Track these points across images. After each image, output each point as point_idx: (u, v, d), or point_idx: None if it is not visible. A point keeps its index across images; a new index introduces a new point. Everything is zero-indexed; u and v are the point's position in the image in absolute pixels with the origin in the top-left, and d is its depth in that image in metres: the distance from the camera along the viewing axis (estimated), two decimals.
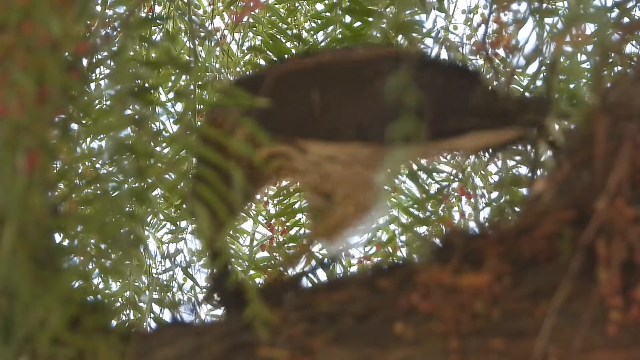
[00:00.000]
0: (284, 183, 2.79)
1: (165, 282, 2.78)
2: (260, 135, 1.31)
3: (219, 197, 1.31)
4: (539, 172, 1.55)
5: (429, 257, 1.27)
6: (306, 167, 1.47)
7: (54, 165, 1.40)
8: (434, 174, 2.59)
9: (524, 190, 1.73)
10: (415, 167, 2.43)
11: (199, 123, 2.48)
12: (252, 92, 1.36)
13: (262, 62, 2.62)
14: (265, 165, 1.47)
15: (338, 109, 1.45)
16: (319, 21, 2.50)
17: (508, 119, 1.43)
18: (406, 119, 1.24)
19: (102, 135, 1.45)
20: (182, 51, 2.83)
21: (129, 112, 1.34)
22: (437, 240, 1.30)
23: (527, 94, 2.15)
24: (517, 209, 1.65)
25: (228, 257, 1.53)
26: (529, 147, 1.56)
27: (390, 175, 1.56)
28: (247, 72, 2.61)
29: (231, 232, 2.83)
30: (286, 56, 2.40)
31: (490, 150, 1.50)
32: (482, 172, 2.69)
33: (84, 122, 1.48)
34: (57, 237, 1.39)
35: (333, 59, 1.48)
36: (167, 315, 2.65)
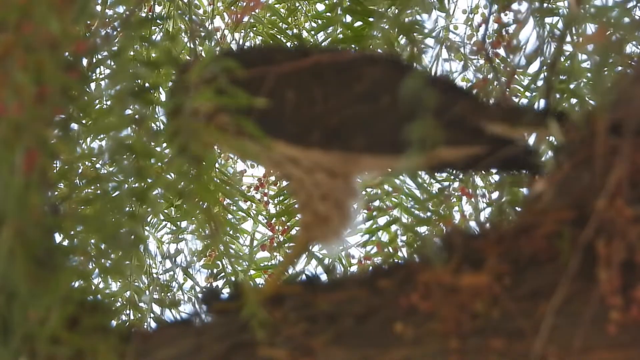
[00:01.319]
0: (284, 182, 2.79)
1: (165, 282, 2.78)
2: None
3: None
4: (538, 172, 1.54)
5: (429, 257, 1.27)
6: (269, 165, 1.44)
7: (54, 165, 1.39)
8: (435, 174, 2.58)
9: (524, 190, 1.73)
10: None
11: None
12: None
13: None
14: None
15: (309, 112, 1.42)
16: (320, 21, 2.50)
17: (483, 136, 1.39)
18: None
19: (102, 135, 1.45)
20: (182, 51, 2.83)
21: (129, 112, 1.34)
22: (438, 240, 1.30)
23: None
24: (517, 209, 1.65)
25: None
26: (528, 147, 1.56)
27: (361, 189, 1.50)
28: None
29: (231, 232, 2.83)
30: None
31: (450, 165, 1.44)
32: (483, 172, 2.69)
33: (84, 122, 1.48)
34: (57, 237, 1.39)
35: (315, 62, 1.45)
36: (167, 315, 2.65)
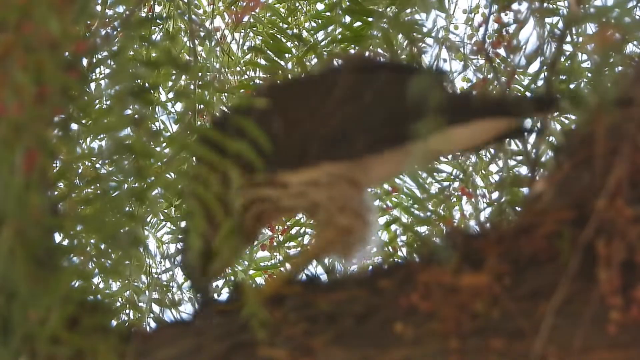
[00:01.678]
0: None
1: (165, 282, 2.78)
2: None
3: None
4: (539, 172, 1.54)
5: (429, 257, 1.27)
6: (291, 202, 1.42)
7: (54, 165, 1.39)
8: (435, 174, 2.58)
9: (524, 190, 1.73)
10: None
11: (198, 123, 2.48)
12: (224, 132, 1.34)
13: (262, 61, 2.62)
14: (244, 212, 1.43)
15: (300, 132, 1.40)
16: (319, 21, 2.50)
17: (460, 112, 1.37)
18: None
19: (102, 135, 1.45)
20: (182, 51, 2.83)
21: (128, 112, 1.34)
22: (438, 240, 1.30)
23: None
24: (517, 209, 1.65)
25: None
26: (529, 148, 1.56)
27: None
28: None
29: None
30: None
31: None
32: (483, 171, 2.69)
33: (84, 122, 1.48)
34: (57, 237, 1.39)
35: (287, 84, 1.43)
36: (167, 315, 2.65)
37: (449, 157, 2.44)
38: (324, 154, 1.39)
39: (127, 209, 1.33)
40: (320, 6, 2.72)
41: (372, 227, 1.43)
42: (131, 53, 1.38)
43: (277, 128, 1.38)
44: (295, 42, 2.70)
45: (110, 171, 1.35)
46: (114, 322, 1.38)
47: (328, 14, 2.41)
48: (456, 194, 2.71)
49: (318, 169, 1.39)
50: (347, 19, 2.35)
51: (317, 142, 1.39)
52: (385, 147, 1.39)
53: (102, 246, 1.31)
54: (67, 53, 1.30)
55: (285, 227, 2.84)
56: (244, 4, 2.80)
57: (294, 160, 1.40)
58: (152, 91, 1.44)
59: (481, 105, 1.38)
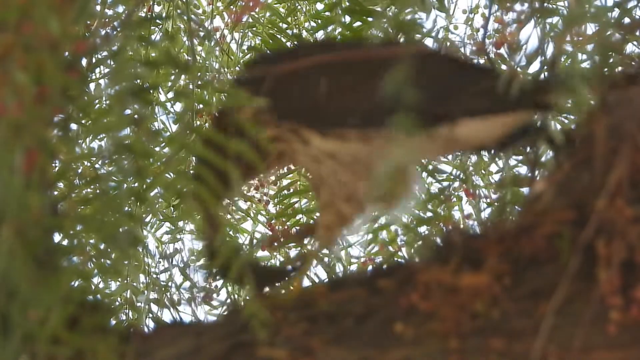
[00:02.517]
0: (284, 182, 2.79)
1: (163, 282, 2.78)
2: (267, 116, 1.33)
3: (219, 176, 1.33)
4: (539, 172, 1.54)
5: (429, 257, 1.27)
6: (306, 161, 1.45)
7: (54, 165, 1.39)
8: (436, 174, 2.58)
9: (524, 190, 1.73)
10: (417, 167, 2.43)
11: (198, 123, 2.48)
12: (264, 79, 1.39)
13: None
14: (269, 144, 1.45)
15: (343, 98, 1.42)
16: (319, 21, 2.49)
17: (508, 102, 1.37)
18: (405, 108, 1.22)
19: (101, 135, 1.45)
20: (182, 51, 2.83)
21: (128, 112, 1.34)
22: (438, 240, 1.30)
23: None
24: (517, 209, 1.65)
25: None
26: (529, 147, 1.56)
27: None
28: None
29: (231, 232, 2.83)
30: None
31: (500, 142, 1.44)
32: (483, 171, 2.69)
33: (83, 122, 1.48)
34: (57, 237, 1.39)
35: (344, 54, 1.45)
36: (165, 315, 2.65)
37: (449, 157, 2.44)
38: (356, 122, 1.40)
39: (127, 208, 1.32)
40: (320, 6, 2.72)
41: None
42: (130, 53, 1.38)
43: (321, 85, 1.39)
44: (295, 42, 2.70)
45: (110, 171, 1.34)
46: (114, 322, 1.38)
47: (328, 13, 2.41)
48: (456, 194, 2.71)
49: (343, 143, 1.40)
50: (347, 18, 2.35)
51: (353, 112, 1.40)
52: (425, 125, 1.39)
53: (102, 246, 1.31)
54: (67, 53, 1.30)
55: (286, 227, 2.84)
56: (244, 3, 2.80)
57: (328, 119, 1.41)
58: (151, 91, 1.44)
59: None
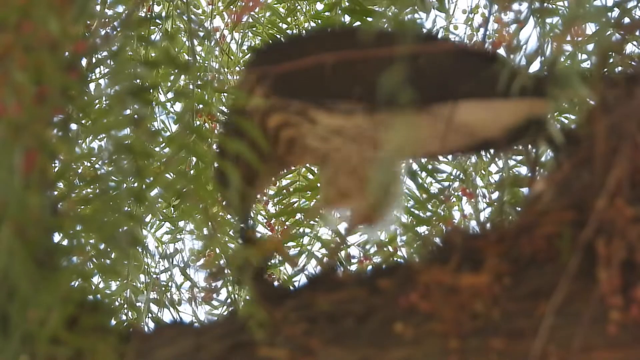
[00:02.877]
0: (284, 182, 2.79)
1: (163, 282, 2.78)
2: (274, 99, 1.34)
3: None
4: (539, 172, 1.54)
5: (429, 257, 1.27)
6: (314, 143, 1.45)
7: (54, 165, 1.39)
8: (435, 174, 2.58)
9: (524, 190, 1.73)
10: (415, 166, 2.43)
11: (197, 122, 2.48)
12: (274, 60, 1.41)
13: None
14: (277, 133, 1.46)
15: (347, 74, 1.42)
16: (319, 21, 2.50)
17: (513, 89, 1.34)
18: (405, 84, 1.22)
19: (101, 135, 1.45)
20: (181, 51, 2.83)
21: (128, 112, 1.34)
22: (438, 240, 1.30)
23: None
24: (517, 209, 1.65)
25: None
26: (529, 147, 1.56)
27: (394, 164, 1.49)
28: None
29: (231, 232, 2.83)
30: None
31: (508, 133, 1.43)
32: (483, 172, 2.69)
33: (83, 122, 1.48)
34: (57, 237, 1.39)
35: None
36: (165, 315, 2.65)
37: (449, 157, 2.44)
38: (362, 97, 1.41)
39: (127, 208, 1.32)
40: (320, 6, 2.72)
41: (392, 199, 1.45)
42: (130, 53, 1.38)
43: (328, 66, 1.40)
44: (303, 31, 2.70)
45: (110, 171, 1.34)
46: (113, 322, 1.38)
47: (328, 13, 2.41)
48: (456, 194, 2.71)
49: (348, 117, 1.41)
50: (347, 18, 2.35)
51: (357, 86, 1.40)
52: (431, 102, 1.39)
53: (102, 246, 1.31)
54: (67, 53, 1.30)
55: (285, 227, 2.84)
56: (243, 3, 2.80)
57: (332, 94, 1.42)
58: (151, 91, 1.44)
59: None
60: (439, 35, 1.50)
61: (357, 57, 1.41)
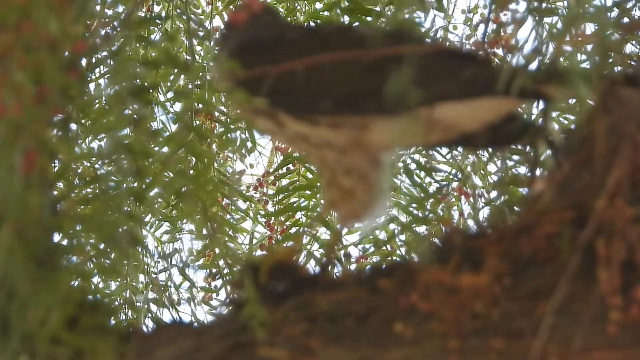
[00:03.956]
0: (284, 182, 2.79)
1: (163, 282, 2.78)
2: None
3: None
4: (538, 172, 1.54)
5: (429, 257, 1.27)
6: (285, 141, 1.46)
7: (54, 165, 1.39)
8: (433, 173, 2.58)
9: (523, 190, 1.73)
10: (414, 165, 2.43)
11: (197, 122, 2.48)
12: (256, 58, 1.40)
13: None
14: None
15: (319, 82, 1.39)
16: (318, 21, 2.50)
17: (487, 88, 1.33)
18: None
19: (101, 135, 1.45)
20: (181, 50, 2.83)
21: (128, 111, 1.34)
22: (437, 240, 1.30)
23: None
24: (516, 209, 1.65)
25: None
26: (528, 147, 1.56)
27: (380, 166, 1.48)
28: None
29: (230, 232, 2.83)
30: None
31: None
32: (482, 171, 2.69)
33: (83, 122, 1.48)
34: (56, 237, 1.39)
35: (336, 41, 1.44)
36: (165, 315, 2.65)
37: (448, 156, 2.44)
38: (327, 108, 1.39)
39: (126, 208, 1.32)
40: (319, 6, 2.72)
41: (378, 194, 1.43)
42: (130, 53, 1.38)
43: (300, 70, 1.39)
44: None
45: (109, 171, 1.34)
46: (113, 322, 1.38)
47: (327, 13, 2.41)
48: (454, 193, 2.71)
49: (313, 128, 1.39)
50: (346, 18, 2.35)
51: (326, 97, 1.39)
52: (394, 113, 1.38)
53: (101, 246, 1.31)
54: (67, 53, 1.30)
55: (285, 226, 2.84)
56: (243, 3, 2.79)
57: (301, 103, 1.41)
58: (151, 91, 1.44)
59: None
60: (420, 36, 1.48)
61: (329, 62, 1.40)
